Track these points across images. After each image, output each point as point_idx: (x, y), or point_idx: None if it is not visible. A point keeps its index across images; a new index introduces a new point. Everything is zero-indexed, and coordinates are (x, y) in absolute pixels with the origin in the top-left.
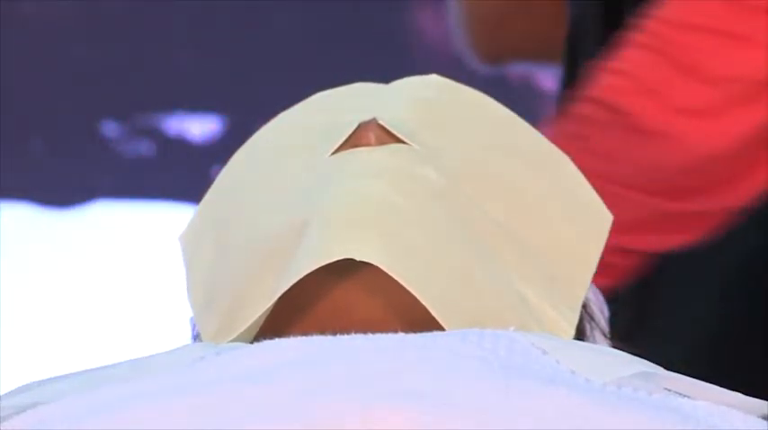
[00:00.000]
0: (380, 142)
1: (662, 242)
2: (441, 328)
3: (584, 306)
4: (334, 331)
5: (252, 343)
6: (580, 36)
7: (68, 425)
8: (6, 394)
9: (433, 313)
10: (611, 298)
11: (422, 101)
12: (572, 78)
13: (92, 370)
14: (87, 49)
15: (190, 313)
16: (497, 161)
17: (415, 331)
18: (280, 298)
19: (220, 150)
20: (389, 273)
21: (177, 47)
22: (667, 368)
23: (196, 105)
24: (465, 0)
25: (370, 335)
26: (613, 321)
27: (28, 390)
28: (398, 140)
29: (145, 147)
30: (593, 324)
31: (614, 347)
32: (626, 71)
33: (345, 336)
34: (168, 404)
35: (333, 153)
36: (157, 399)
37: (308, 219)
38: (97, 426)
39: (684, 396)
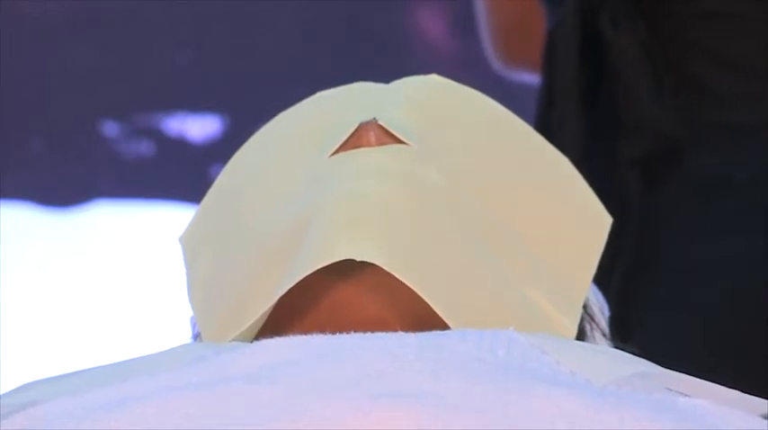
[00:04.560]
0: (380, 142)
1: None
2: (442, 328)
3: (585, 306)
4: (335, 330)
5: (252, 343)
6: (557, 46)
7: (68, 423)
8: (6, 393)
9: (437, 310)
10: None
11: (422, 101)
12: (548, 89)
13: (91, 369)
14: (87, 49)
15: (190, 313)
16: (497, 161)
17: (415, 331)
18: (280, 298)
19: (220, 150)
20: (391, 272)
21: (177, 47)
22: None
23: (196, 105)
24: (486, 5)
25: (369, 334)
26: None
27: (28, 389)
28: (398, 140)
29: (145, 147)
30: (593, 324)
31: (614, 347)
32: None
33: (345, 335)
34: (167, 403)
35: (333, 153)
36: (157, 398)
37: (308, 220)
38: (96, 425)
39: (684, 395)
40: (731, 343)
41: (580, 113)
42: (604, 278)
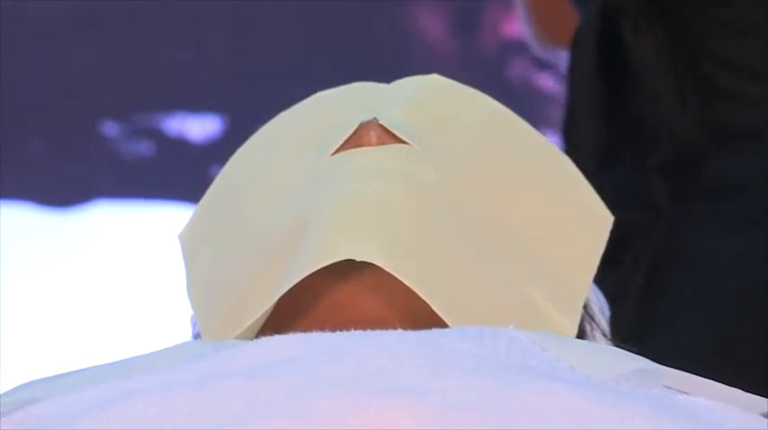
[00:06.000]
0: (381, 142)
1: None
2: (441, 328)
3: (585, 306)
4: (335, 330)
5: (252, 340)
6: (580, 46)
7: (66, 421)
8: (6, 392)
9: (437, 310)
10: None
11: (422, 101)
12: (573, 89)
13: (91, 367)
14: (87, 49)
15: (190, 313)
16: (497, 161)
17: (415, 329)
18: (280, 298)
19: (220, 150)
20: (391, 272)
21: (177, 47)
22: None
23: (196, 105)
24: None
25: (369, 332)
26: (616, 320)
27: (27, 388)
28: (399, 140)
29: (145, 147)
30: (593, 324)
31: (615, 346)
32: None
33: (344, 333)
34: (167, 400)
35: (333, 153)
36: (156, 396)
37: (309, 220)
38: (96, 422)
39: (683, 393)
40: (732, 342)
41: (597, 116)
42: (628, 280)
